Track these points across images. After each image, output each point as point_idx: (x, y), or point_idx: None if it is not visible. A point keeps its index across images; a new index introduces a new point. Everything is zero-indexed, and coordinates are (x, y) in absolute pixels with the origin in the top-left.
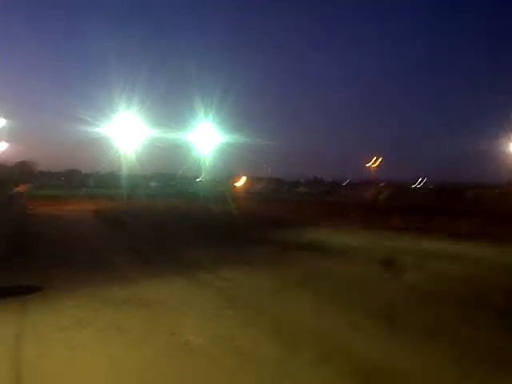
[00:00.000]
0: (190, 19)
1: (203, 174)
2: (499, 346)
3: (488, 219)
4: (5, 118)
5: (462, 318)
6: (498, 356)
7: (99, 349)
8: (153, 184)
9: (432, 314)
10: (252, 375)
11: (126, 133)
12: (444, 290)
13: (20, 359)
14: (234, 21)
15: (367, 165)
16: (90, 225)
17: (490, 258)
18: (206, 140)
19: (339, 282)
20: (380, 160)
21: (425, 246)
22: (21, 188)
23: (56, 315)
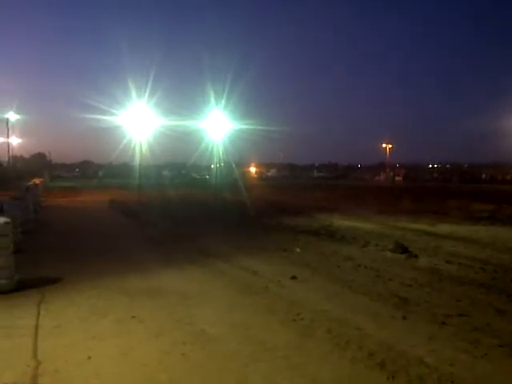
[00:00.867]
0: (202, 8)
1: (215, 162)
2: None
3: (501, 201)
4: (18, 113)
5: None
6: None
7: (117, 338)
8: (165, 173)
9: (446, 297)
10: (266, 365)
11: (138, 122)
12: (457, 273)
13: (42, 350)
14: (246, 8)
15: (383, 146)
16: (104, 215)
17: (504, 240)
18: (218, 127)
19: (353, 267)
20: (392, 145)
21: (439, 229)
22: (37, 180)
23: (75, 306)
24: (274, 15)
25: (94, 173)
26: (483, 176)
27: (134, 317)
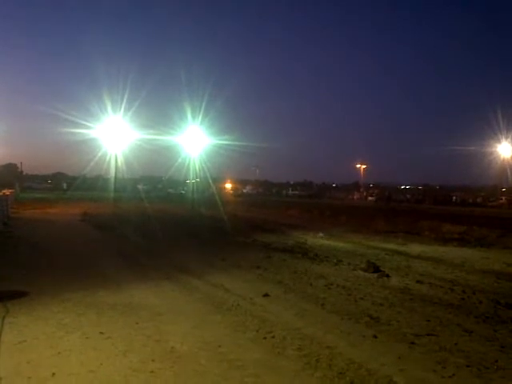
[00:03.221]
0: (180, 22)
1: (191, 177)
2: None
3: (472, 222)
4: None
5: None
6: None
7: (84, 354)
8: (140, 187)
9: (416, 317)
10: (237, 382)
11: (113, 135)
12: (427, 293)
13: (4, 366)
14: (225, 25)
15: (357, 166)
16: (76, 229)
17: (473, 261)
18: (195, 142)
19: (326, 285)
20: (366, 165)
21: (411, 249)
22: (6, 191)
23: (41, 321)
24: (253, 33)
25: (67, 184)
26: (454, 198)
27: (102, 333)
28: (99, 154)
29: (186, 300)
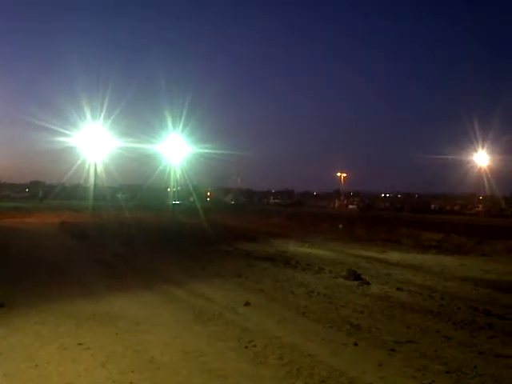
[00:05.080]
0: (160, 30)
1: (172, 185)
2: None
3: (450, 230)
4: None
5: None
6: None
7: (62, 366)
8: (120, 195)
9: (396, 324)
10: None
11: (93, 143)
12: (407, 300)
13: None
14: (205, 32)
15: (338, 174)
16: (54, 238)
17: (451, 269)
18: (176, 151)
19: (307, 293)
20: (346, 174)
21: (390, 257)
22: None
23: (19, 333)
24: (233, 41)
25: (45, 193)
26: (432, 206)
27: (80, 344)
28: (78, 163)
29: (167, 309)
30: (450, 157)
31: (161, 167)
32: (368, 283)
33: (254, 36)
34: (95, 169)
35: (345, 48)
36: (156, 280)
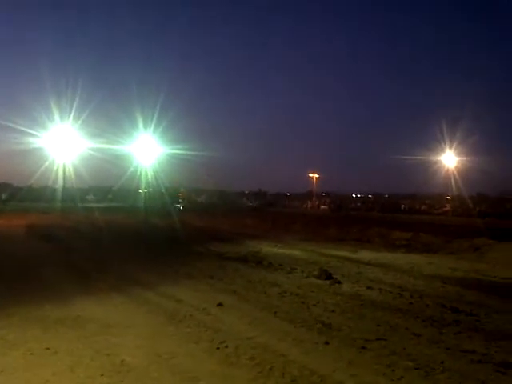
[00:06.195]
0: (131, 29)
1: (144, 187)
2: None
3: (419, 229)
4: None
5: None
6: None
7: (28, 372)
8: (90, 197)
9: (367, 322)
10: None
11: (62, 144)
12: (377, 298)
13: None
14: (179, 31)
15: (309, 176)
16: (21, 241)
17: (420, 267)
18: (148, 152)
19: (280, 293)
20: (318, 175)
21: (361, 256)
22: None
23: None
24: (207, 41)
25: (11, 195)
26: (402, 206)
27: (48, 348)
28: (46, 164)
29: (137, 312)
30: (419, 157)
31: (132, 168)
32: (339, 282)
33: (225, 37)
34: (64, 170)
35: (319, 48)
36: (127, 282)
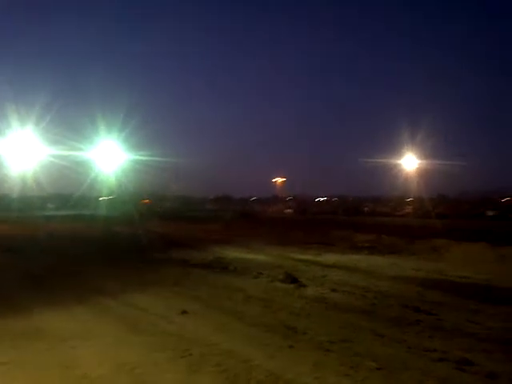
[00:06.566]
0: (92, 31)
1: (106, 194)
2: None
3: (382, 231)
4: None
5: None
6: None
7: None
8: (50, 205)
9: (331, 324)
10: None
11: (20, 151)
12: (341, 300)
13: None
14: (143, 36)
15: (274, 180)
16: None
17: (383, 268)
18: (110, 158)
19: (245, 298)
20: (284, 179)
21: (326, 259)
22: None
23: None
24: (172, 45)
25: None
26: (365, 209)
27: (4, 363)
28: (5, 172)
29: (99, 322)
30: (383, 160)
31: (94, 175)
32: (304, 286)
33: (190, 41)
34: (22, 178)
35: (279, 52)
36: (88, 292)
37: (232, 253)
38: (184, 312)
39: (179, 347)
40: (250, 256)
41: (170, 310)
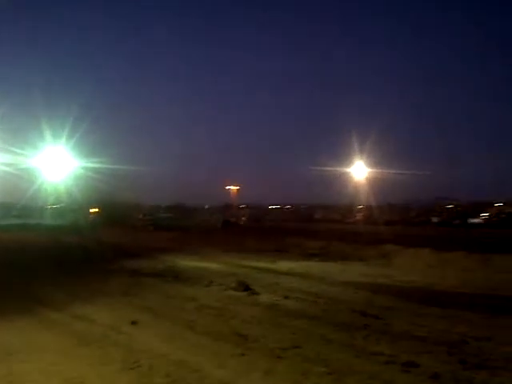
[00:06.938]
0: (37, 33)
1: (54, 202)
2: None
3: (333, 238)
4: None
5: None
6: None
7: None
8: None
9: (283, 331)
10: None
11: None
12: (293, 307)
13: None
14: (95, 41)
15: (227, 188)
16: None
17: (334, 274)
18: (58, 165)
19: (197, 307)
20: (237, 187)
21: (279, 266)
22: None
23: None
24: (123, 50)
25: None
26: (317, 216)
27: None
28: None
29: (45, 335)
30: (335, 169)
31: (40, 183)
32: (257, 293)
33: (139, 44)
34: None
35: (231, 57)
36: (33, 303)
37: (184, 261)
38: (134, 322)
39: (128, 359)
40: (203, 264)
41: (120, 320)
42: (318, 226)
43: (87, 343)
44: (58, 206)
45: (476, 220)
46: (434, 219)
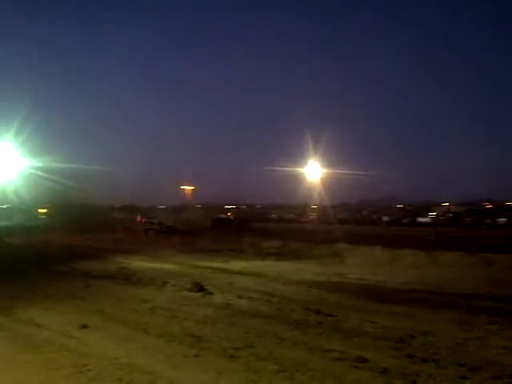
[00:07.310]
0: None
1: (1, 203)
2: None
3: (288, 237)
4: None
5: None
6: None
7: None
8: None
9: (237, 331)
10: None
11: None
12: (247, 307)
13: None
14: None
15: (182, 188)
16: None
17: (288, 274)
18: (4, 163)
19: (150, 309)
20: (193, 187)
21: (234, 266)
22: None
23: None
24: (76, 42)
25: None
26: (273, 216)
27: None
28: None
29: None
30: (290, 168)
31: None
32: (211, 293)
33: (101, 40)
34: None
35: (193, 57)
36: None
37: (137, 262)
38: (84, 326)
39: (78, 363)
40: (156, 265)
41: (69, 324)
42: (274, 226)
43: (33, 348)
44: (4, 206)
45: (425, 219)
46: (385, 218)
